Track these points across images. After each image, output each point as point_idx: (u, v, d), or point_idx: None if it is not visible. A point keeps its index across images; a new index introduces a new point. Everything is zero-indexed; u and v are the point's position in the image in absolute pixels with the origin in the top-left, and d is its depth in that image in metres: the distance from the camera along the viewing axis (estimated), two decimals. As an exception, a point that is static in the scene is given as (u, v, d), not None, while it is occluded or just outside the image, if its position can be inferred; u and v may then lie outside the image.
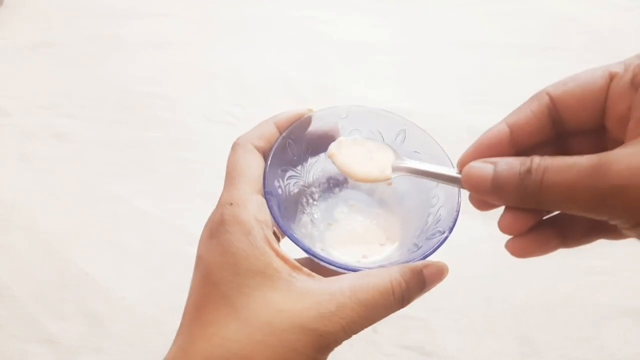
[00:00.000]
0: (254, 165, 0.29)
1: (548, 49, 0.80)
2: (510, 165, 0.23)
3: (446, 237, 0.29)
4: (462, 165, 0.26)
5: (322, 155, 0.35)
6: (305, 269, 0.27)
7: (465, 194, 0.29)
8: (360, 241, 0.34)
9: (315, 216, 0.35)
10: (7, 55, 0.82)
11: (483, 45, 0.81)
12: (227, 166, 0.30)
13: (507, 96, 0.77)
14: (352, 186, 0.37)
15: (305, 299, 0.25)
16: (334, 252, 0.34)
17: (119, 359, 0.55)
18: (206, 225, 0.29)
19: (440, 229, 0.31)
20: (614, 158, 0.19)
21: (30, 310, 0.57)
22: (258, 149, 0.30)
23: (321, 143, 0.34)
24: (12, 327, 0.56)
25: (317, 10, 0.87)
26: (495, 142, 0.25)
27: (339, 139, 0.33)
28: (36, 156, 0.70)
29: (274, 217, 0.29)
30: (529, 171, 0.22)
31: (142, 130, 0.72)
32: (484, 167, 0.24)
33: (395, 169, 0.32)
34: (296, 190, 0.34)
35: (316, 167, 0.35)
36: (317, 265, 0.29)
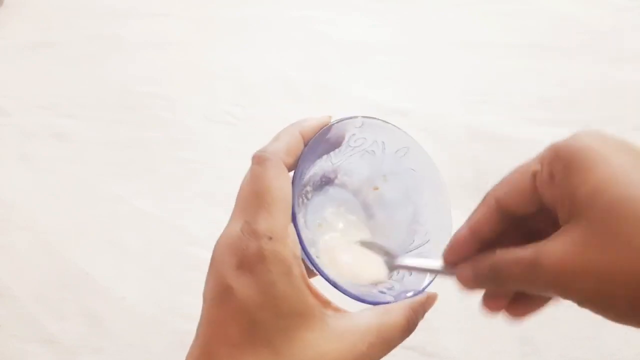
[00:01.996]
0: (286, 189, 0.28)
1: (548, 49, 0.80)
2: (480, 263, 0.27)
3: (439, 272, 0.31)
4: (446, 259, 0.29)
5: (324, 156, 0.35)
6: (332, 304, 0.28)
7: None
8: (358, 253, 0.34)
9: (308, 217, 0.35)
10: (7, 55, 0.82)
11: (483, 45, 0.81)
12: (258, 185, 0.27)
13: (507, 96, 0.78)
14: (340, 184, 0.37)
15: (340, 340, 0.26)
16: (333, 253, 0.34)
17: (119, 359, 0.55)
18: (233, 250, 0.27)
19: (431, 254, 0.32)
20: (544, 251, 0.23)
21: (30, 310, 0.57)
22: (286, 166, 0.29)
23: (328, 148, 0.34)
24: (12, 327, 0.56)
25: (317, 10, 0.87)
26: (461, 243, 0.29)
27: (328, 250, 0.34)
28: (36, 156, 0.70)
29: (305, 253, 0.28)
30: (491, 267, 0.26)
31: (142, 130, 0.72)
32: (465, 267, 0.28)
33: (392, 268, 0.33)
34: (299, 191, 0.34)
35: (316, 167, 0.35)
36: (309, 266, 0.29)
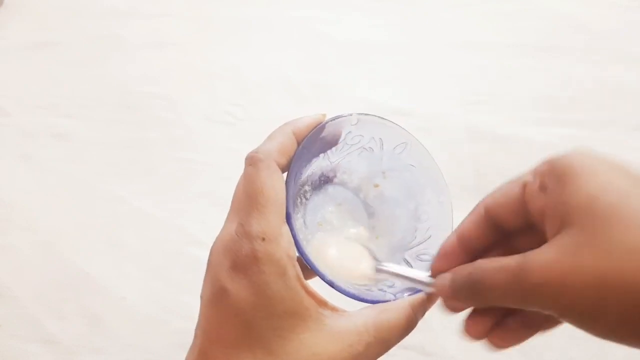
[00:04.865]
0: (279, 190, 0.28)
1: (548, 49, 0.80)
2: (460, 271, 0.26)
3: None
4: (433, 270, 0.29)
5: (322, 155, 0.35)
6: (329, 303, 0.27)
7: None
8: (355, 248, 0.34)
9: (307, 217, 0.35)
10: (7, 55, 0.82)
11: (483, 45, 0.81)
12: (250, 186, 0.27)
13: (507, 96, 0.78)
14: (340, 183, 0.36)
15: (336, 339, 0.26)
16: (330, 255, 0.33)
17: (118, 359, 0.55)
18: (227, 251, 0.27)
19: (433, 252, 0.31)
20: (532, 259, 0.22)
21: (30, 310, 0.57)
22: (279, 166, 0.29)
23: (324, 147, 0.34)
24: (12, 327, 0.57)
25: (317, 10, 0.87)
26: (449, 252, 0.28)
27: (317, 245, 0.33)
28: (36, 156, 0.70)
29: (300, 252, 0.28)
30: (470, 274, 0.25)
31: (142, 130, 0.72)
32: (444, 277, 0.27)
33: (378, 271, 0.32)
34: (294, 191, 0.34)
35: (313, 166, 0.35)
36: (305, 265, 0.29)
